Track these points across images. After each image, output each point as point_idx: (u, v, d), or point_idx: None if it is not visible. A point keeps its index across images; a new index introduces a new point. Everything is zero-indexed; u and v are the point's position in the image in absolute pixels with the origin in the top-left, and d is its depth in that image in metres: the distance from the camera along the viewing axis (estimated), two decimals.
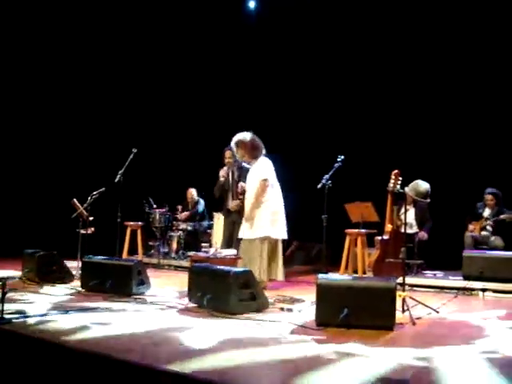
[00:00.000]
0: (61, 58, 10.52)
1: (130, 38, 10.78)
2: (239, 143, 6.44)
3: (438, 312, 4.94)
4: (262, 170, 6.35)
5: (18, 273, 6.38)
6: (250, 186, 6.42)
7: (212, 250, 6.23)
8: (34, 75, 10.33)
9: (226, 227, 7.25)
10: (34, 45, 10.26)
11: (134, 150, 7.09)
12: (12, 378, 3.46)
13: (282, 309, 4.95)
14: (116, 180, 6.85)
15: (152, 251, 9.44)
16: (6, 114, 10.18)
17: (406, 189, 5.43)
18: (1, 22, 9.82)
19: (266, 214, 6.26)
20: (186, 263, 8.23)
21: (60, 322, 4.10)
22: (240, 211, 6.89)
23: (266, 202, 6.30)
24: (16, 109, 10.27)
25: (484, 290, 6.30)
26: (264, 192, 6.27)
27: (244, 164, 6.82)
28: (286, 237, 6.48)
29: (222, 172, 7.19)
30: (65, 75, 10.60)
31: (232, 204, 7.06)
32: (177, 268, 8.53)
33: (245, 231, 6.35)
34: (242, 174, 7.01)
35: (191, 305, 4.90)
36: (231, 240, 7.08)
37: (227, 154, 7.14)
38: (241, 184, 6.76)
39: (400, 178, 5.52)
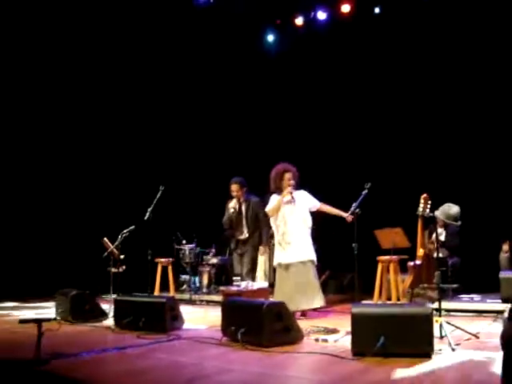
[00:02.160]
0: (86, 95, 10.78)
1: (150, 79, 11.03)
2: (295, 172, 6.64)
3: (477, 337, 4.81)
4: (312, 197, 6.70)
5: (51, 313, 6.44)
6: (302, 210, 6.59)
7: (243, 284, 6.22)
8: (62, 112, 10.59)
9: (236, 259, 7.38)
10: (60, 74, 10.50)
11: (162, 188, 7.18)
12: None
13: (316, 340, 4.88)
14: (145, 217, 6.93)
15: (183, 287, 9.45)
16: (34, 154, 10.38)
17: (437, 212, 5.37)
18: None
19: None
20: (217, 298, 8.21)
21: (96, 362, 4.12)
22: (245, 242, 7.35)
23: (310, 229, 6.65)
24: (42, 148, 10.47)
25: None
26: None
27: (251, 197, 7.33)
28: None
29: (232, 204, 7.33)
30: (93, 116, 10.84)
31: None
32: (209, 303, 8.49)
33: (303, 253, 6.47)
34: (250, 206, 7.31)
35: (225, 339, 4.87)
36: (242, 271, 7.27)
37: (234, 187, 7.34)
38: None
39: (429, 202, 5.47)
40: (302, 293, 6.27)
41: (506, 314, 4.34)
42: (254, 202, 7.34)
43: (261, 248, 7.37)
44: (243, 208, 7.34)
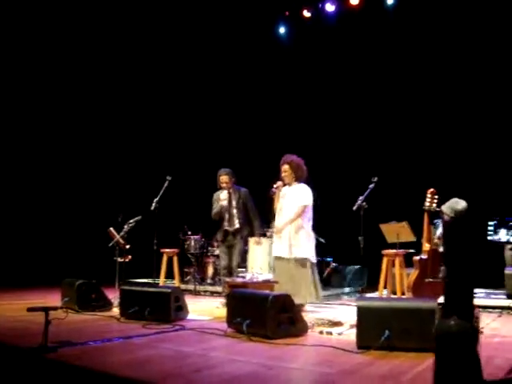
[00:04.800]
0: (96, 85, 10.83)
1: (162, 70, 11.06)
2: (292, 163, 6.64)
3: (481, 332, 4.81)
4: (305, 195, 6.58)
5: (57, 302, 6.47)
6: (291, 206, 6.55)
7: (249, 275, 6.23)
8: (73, 102, 10.67)
9: (223, 251, 7.34)
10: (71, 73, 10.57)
11: (169, 178, 7.19)
12: None
13: (321, 332, 4.89)
14: (152, 208, 6.94)
15: (188, 277, 9.48)
16: (45, 146, 10.46)
17: (443, 207, 5.35)
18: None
19: (312, 238, 6.59)
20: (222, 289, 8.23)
21: (103, 351, 4.15)
22: (235, 233, 7.26)
23: (310, 226, 6.60)
24: (52, 140, 10.55)
25: None
26: (300, 216, 6.50)
27: (240, 188, 7.27)
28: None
29: (223, 196, 7.26)
30: (103, 107, 10.90)
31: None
32: (213, 294, 8.53)
33: (292, 250, 6.46)
34: (241, 197, 7.26)
35: (230, 330, 4.89)
36: (231, 263, 7.24)
37: (224, 178, 7.26)
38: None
39: (436, 197, 5.47)
40: (289, 287, 6.24)
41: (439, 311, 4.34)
42: (243, 193, 7.30)
43: (255, 239, 7.26)
44: (233, 199, 7.29)
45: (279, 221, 6.65)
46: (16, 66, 9.96)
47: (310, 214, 6.62)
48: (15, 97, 10.16)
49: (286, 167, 6.67)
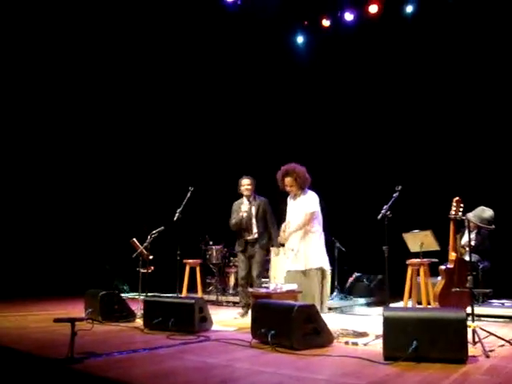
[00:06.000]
0: (126, 101, 10.96)
1: (182, 81, 11.13)
2: (291, 172, 6.51)
3: (511, 344, 4.72)
4: (311, 202, 6.48)
5: (80, 313, 6.51)
6: (297, 217, 6.47)
7: (272, 286, 6.20)
8: (96, 115, 10.80)
9: (243, 261, 7.29)
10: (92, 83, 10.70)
11: (191, 189, 7.20)
12: None
13: (346, 343, 4.84)
14: (175, 218, 6.95)
15: (210, 288, 9.48)
16: (72, 158, 10.58)
17: (469, 215, 5.29)
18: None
19: (321, 245, 6.43)
20: None
21: (129, 362, 4.14)
22: (254, 243, 7.16)
23: (318, 233, 6.46)
24: (78, 152, 10.67)
25: None
26: (309, 224, 6.40)
27: (260, 197, 7.18)
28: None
29: (244, 207, 7.22)
30: (128, 118, 11.01)
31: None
32: (235, 304, 8.50)
33: (298, 262, 6.39)
34: (260, 205, 7.19)
35: (255, 341, 4.86)
36: (249, 274, 7.18)
37: (246, 181, 7.23)
38: None
39: (462, 205, 5.40)
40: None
41: None
42: (263, 202, 7.26)
43: (274, 249, 7.18)
44: (253, 208, 7.25)
45: (293, 234, 6.56)
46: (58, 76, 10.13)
47: (319, 219, 6.52)
48: (38, 106, 10.31)
49: (289, 180, 6.51)
